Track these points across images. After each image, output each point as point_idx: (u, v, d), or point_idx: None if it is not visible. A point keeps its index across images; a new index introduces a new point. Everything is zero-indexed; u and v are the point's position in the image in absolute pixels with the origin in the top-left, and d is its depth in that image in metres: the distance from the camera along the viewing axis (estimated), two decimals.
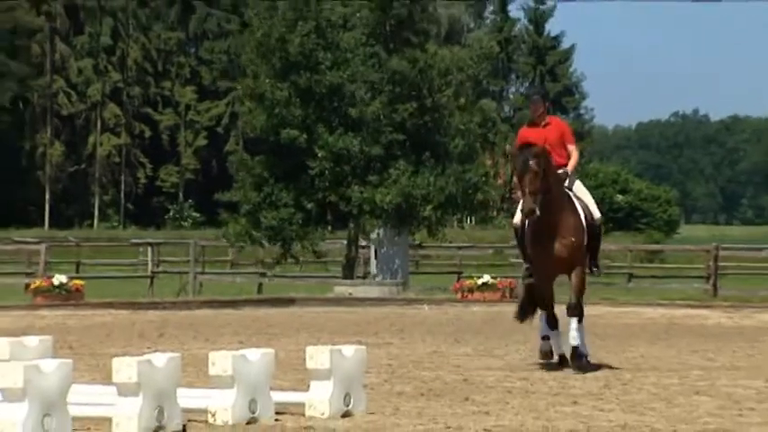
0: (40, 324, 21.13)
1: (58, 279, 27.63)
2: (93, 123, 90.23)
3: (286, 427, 9.59)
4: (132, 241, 45.49)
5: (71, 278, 28.66)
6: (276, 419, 9.83)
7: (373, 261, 34.09)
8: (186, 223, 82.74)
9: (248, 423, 9.62)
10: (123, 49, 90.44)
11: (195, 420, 9.61)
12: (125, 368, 9.08)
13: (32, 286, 27.72)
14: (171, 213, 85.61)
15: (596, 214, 13.86)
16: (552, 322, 13.97)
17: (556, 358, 14.01)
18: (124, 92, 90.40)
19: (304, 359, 10.29)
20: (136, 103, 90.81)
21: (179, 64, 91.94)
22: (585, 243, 13.68)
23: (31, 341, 11.15)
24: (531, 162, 13.25)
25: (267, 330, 20.37)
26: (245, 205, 33.64)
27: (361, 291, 30.81)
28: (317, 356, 10.17)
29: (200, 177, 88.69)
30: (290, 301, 27.86)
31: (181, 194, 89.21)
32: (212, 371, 9.64)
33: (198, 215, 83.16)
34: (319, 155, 32.70)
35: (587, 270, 13.88)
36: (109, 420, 9.16)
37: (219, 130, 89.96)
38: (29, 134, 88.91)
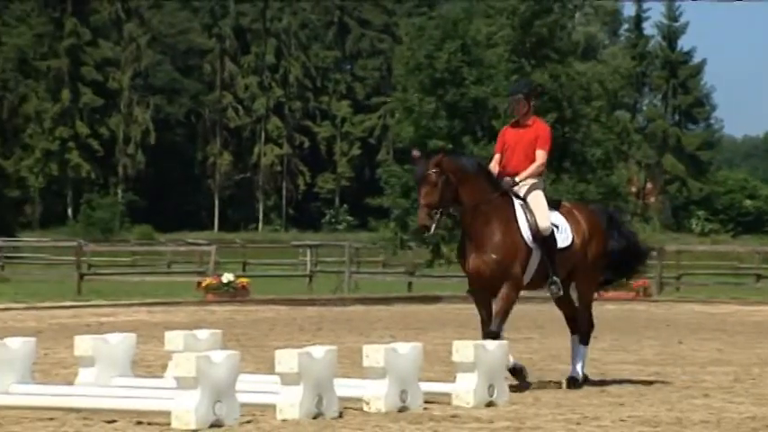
0: (210, 319, 21.42)
1: (227, 277, 27.99)
2: (257, 135, 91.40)
3: (434, 415, 9.58)
4: (293, 243, 45.91)
5: (238, 277, 29.01)
6: (425, 408, 9.83)
7: None
8: (341, 226, 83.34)
9: (399, 411, 9.64)
10: (285, 67, 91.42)
11: (351, 408, 9.66)
12: (287, 359, 9.16)
13: (203, 284, 28.12)
14: (327, 217, 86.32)
15: (542, 224, 11.25)
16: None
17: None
18: (286, 106, 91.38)
19: (450, 352, 10.28)
20: (296, 116, 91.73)
21: (336, 80, 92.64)
22: (522, 258, 11.17)
23: (203, 334, 11.31)
24: (428, 172, 10.92)
25: (416, 325, 20.39)
26: (394, 210, 33.77)
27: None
28: (463, 350, 10.16)
29: (354, 184, 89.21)
30: (436, 299, 27.85)
31: (336, 200, 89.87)
32: (366, 362, 9.68)
33: (352, 219, 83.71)
34: None
35: (548, 290, 11.55)
36: (273, 407, 9.25)
37: (372, 140, 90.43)
38: (200, 145, 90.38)
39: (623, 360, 14.33)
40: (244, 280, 28.50)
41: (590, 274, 11.73)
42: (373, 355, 9.64)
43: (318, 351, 9.39)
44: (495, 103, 33.21)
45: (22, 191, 70.68)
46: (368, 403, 9.66)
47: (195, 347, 10.63)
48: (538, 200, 11.35)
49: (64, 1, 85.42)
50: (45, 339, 15.43)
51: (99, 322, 20.31)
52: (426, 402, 9.95)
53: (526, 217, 11.22)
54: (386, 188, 35.10)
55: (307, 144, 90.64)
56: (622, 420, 9.45)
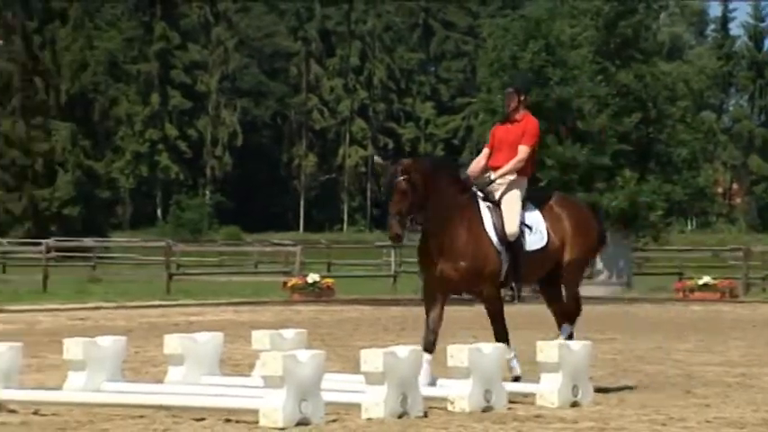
0: (295, 318, 21.52)
1: (312, 278, 28.12)
2: (342, 137, 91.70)
3: (518, 415, 9.55)
4: (377, 244, 46.00)
5: (323, 277, 29.14)
6: (509, 408, 9.80)
7: (599, 262, 33.74)
8: None
9: (484, 411, 9.62)
10: (370, 69, 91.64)
11: (436, 408, 9.65)
12: (372, 359, 9.18)
13: (289, 284, 28.27)
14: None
15: (509, 229, 10.71)
16: (430, 346, 10.72)
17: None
18: (370, 108, 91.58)
19: (534, 353, 10.25)
20: (381, 118, 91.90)
21: (420, 82, 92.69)
22: (494, 260, 10.67)
23: (289, 333, 11.37)
24: (397, 179, 10.42)
25: None
26: None
27: (586, 290, 30.50)
28: (547, 351, 10.12)
29: None
30: (520, 299, 27.76)
31: None
32: (450, 362, 9.67)
33: None
34: (548, 164, 32.59)
35: (507, 293, 11.08)
36: (358, 406, 9.27)
37: (456, 142, 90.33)
38: (286, 147, 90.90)
39: (709, 361, 14.18)
40: (329, 280, 28.61)
41: (574, 270, 11.22)
42: (457, 354, 9.63)
43: (403, 351, 9.40)
44: (579, 103, 33.01)
45: (113, 192, 71.52)
46: (452, 403, 9.65)
47: (281, 347, 10.69)
48: (511, 202, 10.82)
49: (154, 5, 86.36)
50: (135, 338, 15.61)
51: (187, 321, 20.51)
52: (510, 402, 9.92)
53: (492, 220, 10.71)
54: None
55: (391, 145, 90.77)
56: (708, 422, 9.35)
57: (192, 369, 10.66)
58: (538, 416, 9.54)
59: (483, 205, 10.75)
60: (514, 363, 10.83)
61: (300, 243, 40.99)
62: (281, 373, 8.74)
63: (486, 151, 11.16)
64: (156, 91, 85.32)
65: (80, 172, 61.88)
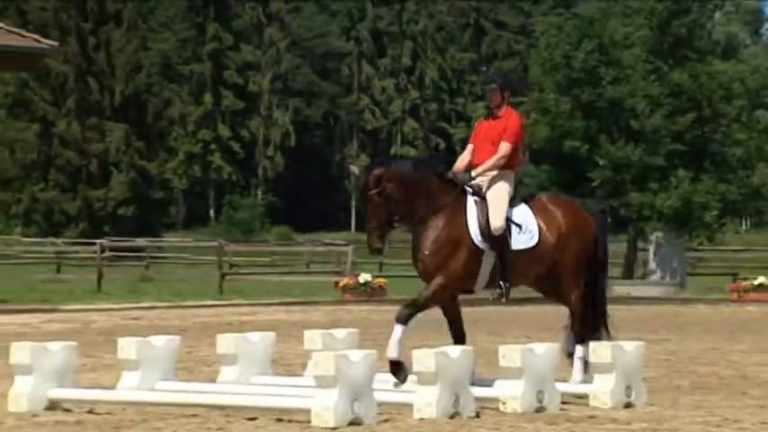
0: (347, 318, 21.54)
1: (364, 277, 28.15)
2: (393, 137, 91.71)
3: (571, 416, 9.51)
4: None
5: (375, 277, 29.16)
6: (561, 409, 9.76)
7: (652, 262, 33.55)
8: None
9: (536, 411, 9.59)
10: (421, 69, 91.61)
11: (488, 408, 9.63)
12: (424, 359, 9.17)
13: (341, 284, 28.32)
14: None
15: (494, 224, 10.37)
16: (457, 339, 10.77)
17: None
18: (422, 108, 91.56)
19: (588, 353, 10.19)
20: (432, 118, 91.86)
21: (471, 82, 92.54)
22: (464, 256, 10.33)
23: (340, 333, 11.39)
24: (370, 192, 10.22)
25: (551, 326, 20.24)
26: None
27: (639, 290, 30.34)
28: (600, 351, 10.07)
29: None
30: None
31: None
32: (502, 363, 9.65)
33: None
34: (601, 164, 32.44)
35: (494, 293, 10.60)
36: (410, 406, 9.27)
37: None
38: (338, 147, 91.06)
39: (764, 362, 14.05)
40: (380, 280, 28.62)
41: (571, 273, 10.76)
42: (509, 355, 9.61)
43: (455, 351, 9.39)
44: (632, 103, 32.84)
45: (166, 192, 71.93)
46: (504, 403, 9.62)
47: (333, 346, 10.71)
48: (497, 196, 10.50)
49: (207, 7, 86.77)
50: (188, 338, 15.68)
51: (240, 321, 20.58)
52: (563, 403, 9.88)
53: (478, 215, 10.39)
54: (521, 188, 34.96)
55: (442, 145, 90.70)
56: (763, 423, 9.27)
57: (244, 369, 10.70)
58: (591, 417, 9.50)
59: (471, 200, 10.50)
60: (396, 342, 10.32)
61: (352, 243, 41.02)
62: (333, 373, 8.76)
63: (470, 147, 10.96)
64: (209, 91, 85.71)
65: (134, 172, 62.29)
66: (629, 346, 10.27)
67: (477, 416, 9.34)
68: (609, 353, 9.97)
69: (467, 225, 10.39)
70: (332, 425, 8.76)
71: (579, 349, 10.76)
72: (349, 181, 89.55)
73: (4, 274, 34.78)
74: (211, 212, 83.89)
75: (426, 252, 10.33)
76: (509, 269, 10.46)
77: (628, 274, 33.60)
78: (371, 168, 10.39)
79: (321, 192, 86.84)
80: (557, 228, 10.65)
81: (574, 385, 10.45)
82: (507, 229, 10.44)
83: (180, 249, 51.89)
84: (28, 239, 54.56)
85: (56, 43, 28.78)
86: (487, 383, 10.03)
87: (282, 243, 56.02)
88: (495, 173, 10.62)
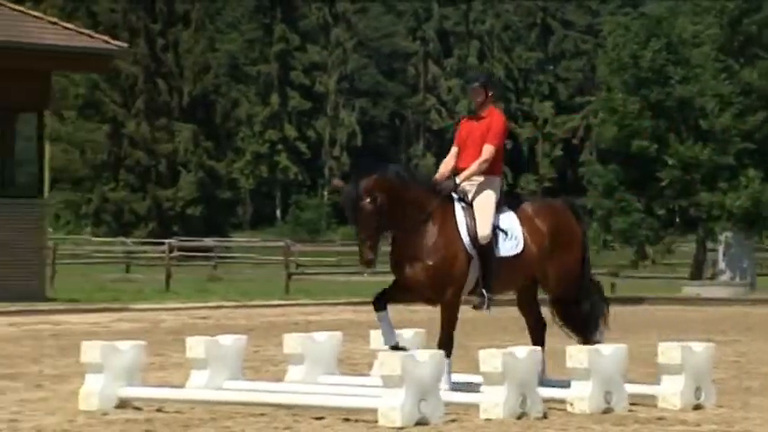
0: (413, 318, 21.51)
1: None
2: None
3: (639, 417, 9.44)
4: None
5: None
6: (629, 410, 9.69)
7: (721, 262, 33.25)
8: None
9: (604, 412, 9.53)
10: (488, 69, 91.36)
11: (555, 409, 9.59)
12: (491, 359, 9.15)
13: None
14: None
15: (481, 232, 10.11)
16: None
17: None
18: None
19: (655, 354, 10.12)
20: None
21: (538, 81, 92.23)
22: (462, 264, 10.15)
23: (407, 333, 11.40)
24: (361, 203, 9.91)
25: (619, 327, 20.10)
26: (597, 211, 33.49)
27: (709, 291, 30.06)
28: (668, 352, 9.99)
29: (556, 185, 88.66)
30: (640, 300, 27.48)
31: None
32: (569, 363, 9.60)
33: None
34: (669, 164, 32.22)
35: (476, 300, 10.42)
36: (477, 406, 9.25)
37: (574, 141, 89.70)
38: (404, 147, 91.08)
39: None
40: None
41: (557, 286, 10.55)
42: (577, 355, 9.56)
43: (522, 351, 9.35)
44: (701, 102, 32.58)
45: (234, 192, 72.35)
46: (572, 404, 9.58)
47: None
48: (484, 204, 10.20)
49: (274, 7, 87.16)
50: (255, 337, 15.75)
51: (306, 321, 20.65)
52: (631, 404, 9.81)
53: (467, 222, 10.15)
54: (588, 188, 34.80)
55: (509, 145, 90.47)
56: None
57: (311, 368, 10.73)
58: (660, 418, 9.42)
59: (458, 206, 10.22)
60: (447, 375, 9.88)
61: None
62: (400, 373, 8.76)
63: (454, 150, 10.57)
64: (276, 92, 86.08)
65: (202, 172, 62.70)
66: (699, 347, 10.18)
67: (545, 417, 9.30)
68: (678, 354, 9.88)
69: (458, 232, 10.13)
70: (399, 424, 8.76)
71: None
72: None
73: (75, 274, 35.15)
74: (278, 212, 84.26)
75: (429, 262, 10.05)
76: (492, 278, 10.21)
77: (697, 274, 33.33)
78: (360, 178, 10.05)
79: None
80: (540, 237, 10.36)
81: (642, 386, 10.36)
82: (494, 238, 10.19)
83: (247, 249, 52.17)
84: (98, 239, 55.10)
85: (125, 44, 29.05)
86: (556, 384, 9.99)
87: (348, 243, 56.11)
88: (481, 179, 10.28)
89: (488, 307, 10.36)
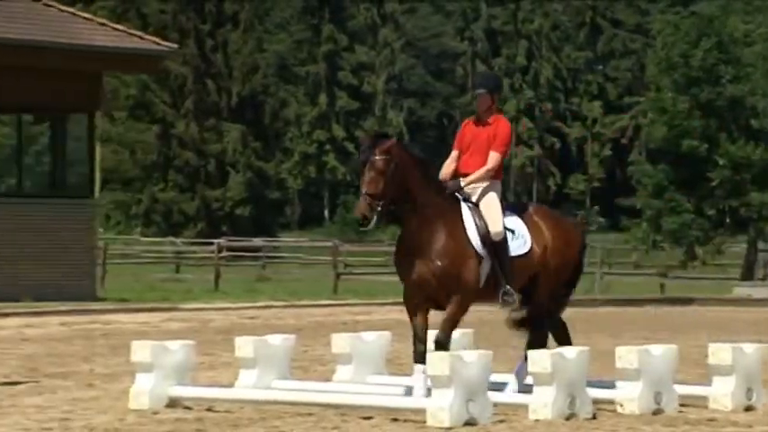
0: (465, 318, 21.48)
1: None
2: None
3: (689, 418, 9.38)
4: None
5: None
6: (680, 411, 9.63)
7: None
8: (592, 227, 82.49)
9: (654, 413, 9.48)
10: (536, 69, 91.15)
11: (604, 410, 9.54)
12: (540, 360, 9.13)
13: None
14: (578, 218, 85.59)
15: (493, 229, 9.96)
16: (421, 358, 9.87)
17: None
18: (537, 107, 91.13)
19: (705, 355, 10.05)
20: (547, 117, 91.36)
21: (587, 81, 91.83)
22: (473, 265, 9.93)
23: (455, 334, 11.36)
24: (375, 157, 9.69)
25: (669, 327, 20.00)
26: (647, 211, 33.34)
27: (760, 292, 29.81)
28: (719, 353, 9.92)
29: (605, 185, 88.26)
30: (689, 301, 27.31)
31: (587, 200, 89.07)
32: (619, 364, 9.56)
33: (602, 220, 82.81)
34: (720, 163, 32.03)
35: (501, 300, 10.19)
36: (525, 407, 9.23)
37: (623, 141, 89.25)
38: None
39: None
40: None
41: (548, 284, 10.27)
42: (626, 356, 9.52)
43: (571, 352, 9.32)
44: (752, 101, 32.37)
45: (282, 192, 72.56)
46: (621, 405, 9.53)
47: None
48: (491, 203, 10.08)
49: (322, 8, 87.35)
50: (303, 337, 15.79)
51: (354, 320, 20.67)
52: (681, 405, 9.75)
53: (475, 221, 9.96)
54: (638, 188, 34.68)
55: (557, 145, 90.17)
56: None
57: (359, 368, 10.74)
58: (710, 419, 9.36)
59: (465, 206, 10.05)
60: (422, 381, 9.61)
61: None
62: (448, 373, 8.75)
63: (454, 153, 10.41)
64: (324, 92, 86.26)
65: (251, 173, 62.91)
66: (750, 348, 10.10)
67: (594, 417, 9.26)
68: (729, 355, 9.81)
69: (466, 233, 9.93)
70: (447, 425, 8.76)
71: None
72: None
73: (125, 274, 35.37)
74: (326, 213, 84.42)
75: (438, 263, 9.79)
76: (511, 274, 10.04)
77: (748, 275, 33.06)
78: (380, 137, 9.88)
79: None
80: (543, 239, 10.25)
81: (692, 387, 10.30)
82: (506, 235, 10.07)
83: (295, 249, 52.27)
84: (147, 239, 55.40)
85: (175, 45, 29.20)
86: (605, 385, 9.95)
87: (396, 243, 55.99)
88: (484, 183, 10.18)
89: (515, 301, 10.12)
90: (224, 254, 38.61)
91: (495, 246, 9.97)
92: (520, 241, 10.15)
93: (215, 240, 40.31)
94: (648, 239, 33.30)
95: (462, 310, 10.09)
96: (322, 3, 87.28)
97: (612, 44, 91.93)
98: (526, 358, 9.88)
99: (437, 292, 9.93)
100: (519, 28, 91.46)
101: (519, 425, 8.95)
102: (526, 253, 10.15)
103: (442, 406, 8.78)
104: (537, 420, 9.06)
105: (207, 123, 62.91)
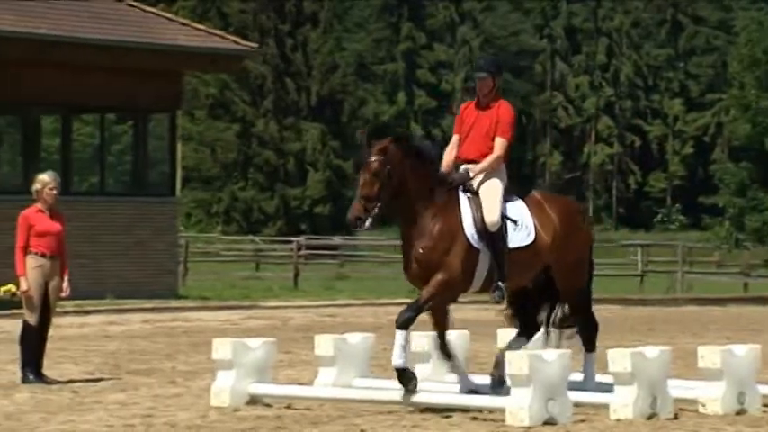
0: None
1: None
2: (587, 135, 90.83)
3: None
4: (623, 242, 45.37)
5: None
6: (763, 411, 9.52)
7: None
8: (673, 226, 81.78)
9: (737, 414, 9.37)
10: (616, 66, 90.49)
11: (686, 410, 9.46)
12: (620, 359, 9.07)
13: None
14: (659, 217, 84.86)
15: (488, 218, 9.56)
16: (445, 352, 9.95)
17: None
18: (616, 105, 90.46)
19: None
20: (627, 115, 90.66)
21: (668, 78, 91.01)
22: (461, 252, 9.52)
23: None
24: (370, 159, 9.46)
25: (752, 327, 19.77)
26: (729, 209, 33.00)
27: None
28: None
29: (687, 183, 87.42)
30: None
31: (668, 199, 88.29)
32: (701, 364, 9.47)
33: (684, 218, 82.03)
34: None
35: (490, 296, 9.80)
36: (606, 406, 9.17)
37: (706, 139, 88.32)
38: (530, 145, 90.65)
39: None
40: None
41: (575, 270, 9.92)
42: (709, 356, 9.42)
43: (652, 351, 9.25)
44: None
45: None
46: (704, 405, 9.44)
47: (527, 345, 10.64)
48: (491, 191, 9.65)
49: (401, 6, 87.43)
50: (382, 335, 15.80)
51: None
52: (765, 406, 9.64)
53: (472, 213, 9.58)
54: (720, 186, 34.32)
55: (637, 143, 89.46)
56: None
57: (438, 366, 10.73)
58: None
59: (463, 198, 9.67)
60: (399, 347, 9.61)
61: None
62: (528, 373, 8.73)
63: (455, 139, 9.97)
64: (402, 91, 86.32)
65: (329, 171, 63.12)
66: None
67: (676, 417, 9.18)
68: (719, 358, 9.51)
69: (461, 222, 9.58)
70: (527, 424, 8.73)
71: (590, 356, 9.99)
72: (543, 179, 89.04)
73: (206, 272, 35.65)
74: None
75: (420, 251, 9.50)
76: (506, 268, 9.62)
77: None
78: (378, 137, 9.66)
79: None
80: (551, 226, 9.82)
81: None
82: (503, 226, 9.66)
83: (374, 248, 52.36)
84: (228, 237, 55.78)
85: (255, 45, 29.38)
86: (686, 385, 9.86)
87: None
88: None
89: (504, 298, 9.75)
90: (303, 252, 38.76)
91: (491, 237, 9.58)
92: (524, 232, 9.72)
93: (294, 239, 40.49)
94: (731, 238, 32.93)
95: (438, 293, 9.54)
96: (401, 1, 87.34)
97: (694, 41, 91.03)
98: (588, 350, 9.83)
99: (423, 276, 9.59)
100: (599, 25, 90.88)
101: (600, 424, 8.90)
102: (531, 244, 9.73)
103: (521, 405, 8.76)
104: (618, 420, 9.00)
105: (286, 122, 63.22)
